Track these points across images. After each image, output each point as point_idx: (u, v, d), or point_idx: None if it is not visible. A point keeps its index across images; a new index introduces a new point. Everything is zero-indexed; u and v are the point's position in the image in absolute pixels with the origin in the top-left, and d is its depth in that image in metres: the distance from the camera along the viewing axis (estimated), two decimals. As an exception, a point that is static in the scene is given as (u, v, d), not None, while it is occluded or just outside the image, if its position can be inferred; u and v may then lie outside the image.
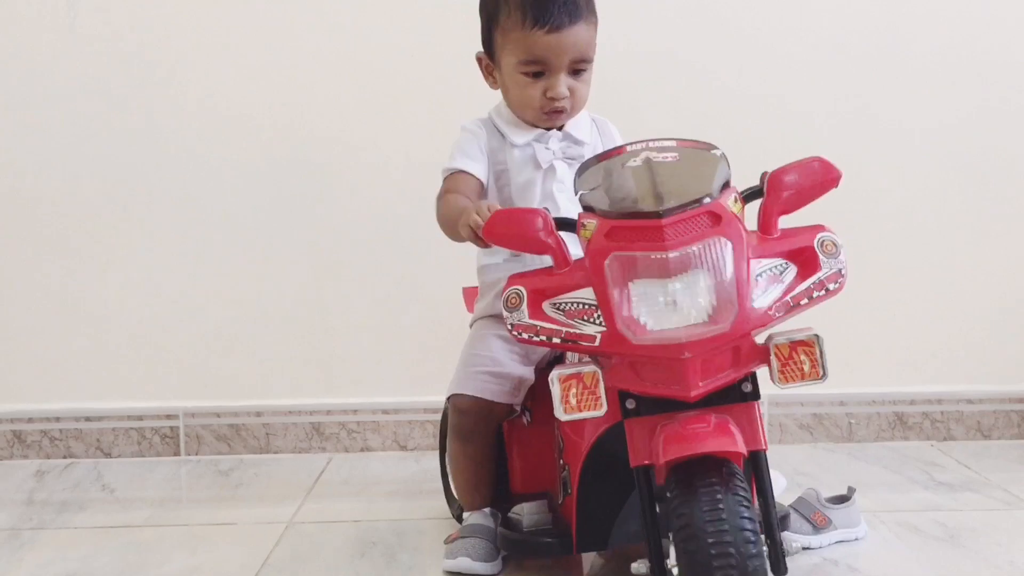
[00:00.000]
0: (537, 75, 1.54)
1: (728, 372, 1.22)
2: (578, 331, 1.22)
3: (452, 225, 1.49)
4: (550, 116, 1.58)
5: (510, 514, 1.56)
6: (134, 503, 2.00)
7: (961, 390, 2.39)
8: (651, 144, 1.30)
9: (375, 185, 2.31)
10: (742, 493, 1.14)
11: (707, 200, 1.21)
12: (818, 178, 1.26)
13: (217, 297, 2.33)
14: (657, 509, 1.24)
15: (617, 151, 1.32)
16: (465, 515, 1.64)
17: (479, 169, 1.60)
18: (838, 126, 2.32)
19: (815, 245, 1.26)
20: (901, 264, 2.34)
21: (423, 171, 2.27)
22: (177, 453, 2.34)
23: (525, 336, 1.26)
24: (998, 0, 2.33)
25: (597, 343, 1.21)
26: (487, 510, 1.61)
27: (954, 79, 2.33)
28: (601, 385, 1.22)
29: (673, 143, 1.30)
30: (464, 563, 1.52)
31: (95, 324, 2.33)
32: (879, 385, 2.37)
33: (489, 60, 1.62)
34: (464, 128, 1.64)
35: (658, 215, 1.19)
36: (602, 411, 1.22)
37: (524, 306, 1.25)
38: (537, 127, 1.60)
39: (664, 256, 1.18)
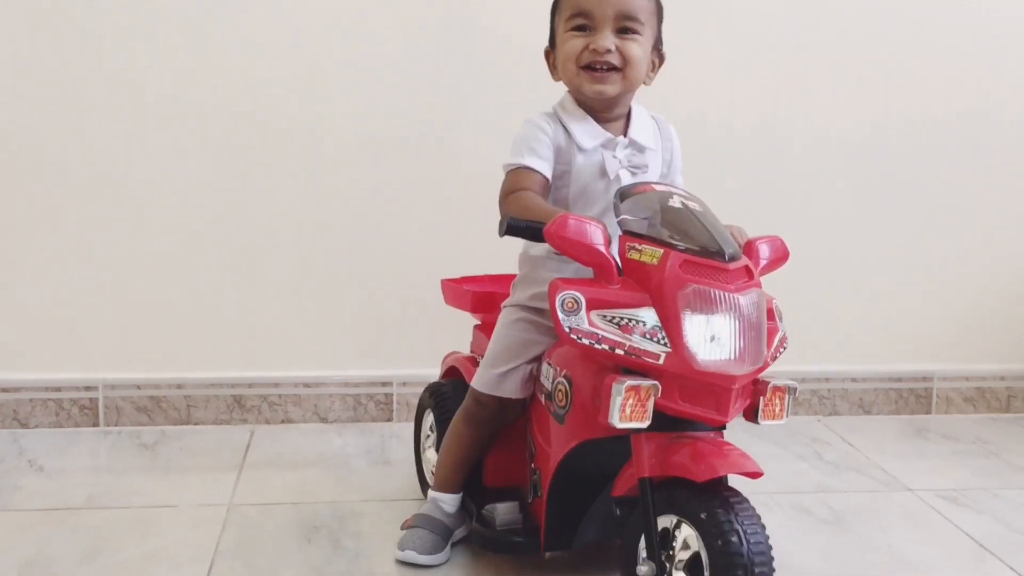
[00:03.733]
0: (582, 29, 1.60)
1: (740, 404, 1.45)
2: (641, 347, 1.38)
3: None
4: (594, 77, 1.61)
5: (483, 511, 1.74)
6: (67, 481, 2.12)
7: (846, 370, 2.71)
8: (673, 188, 1.52)
9: (300, 160, 2.44)
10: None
11: (742, 256, 1.45)
12: (780, 254, 1.54)
13: (138, 268, 2.43)
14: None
15: (647, 187, 1.51)
16: (430, 493, 1.82)
17: (546, 168, 1.62)
18: (762, 129, 2.57)
19: (773, 307, 1.53)
20: (795, 260, 2.57)
21: (348, 148, 2.44)
22: (96, 424, 2.46)
23: (585, 341, 1.38)
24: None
25: (661, 362, 1.37)
26: (445, 499, 1.78)
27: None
28: (652, 400, 1.37)
29: (683, 191, 1.53)
30: (410, 555, 1.73)
31: (13, 293, 2.41)
32: (776, 364, 2.65)
33: (552, 50, 1.69)
34: (530, 122, 1.65)
35: (724, 258, 1.40)
36: (647, 423, 1.38)
37: (583, 312, 1.39)
38: (597, 121, 1.64)
39: (735, 296, 1.39)
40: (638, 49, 1.61)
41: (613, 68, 1.61)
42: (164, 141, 2.40)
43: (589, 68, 1.61)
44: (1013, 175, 2.69)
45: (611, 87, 1.62)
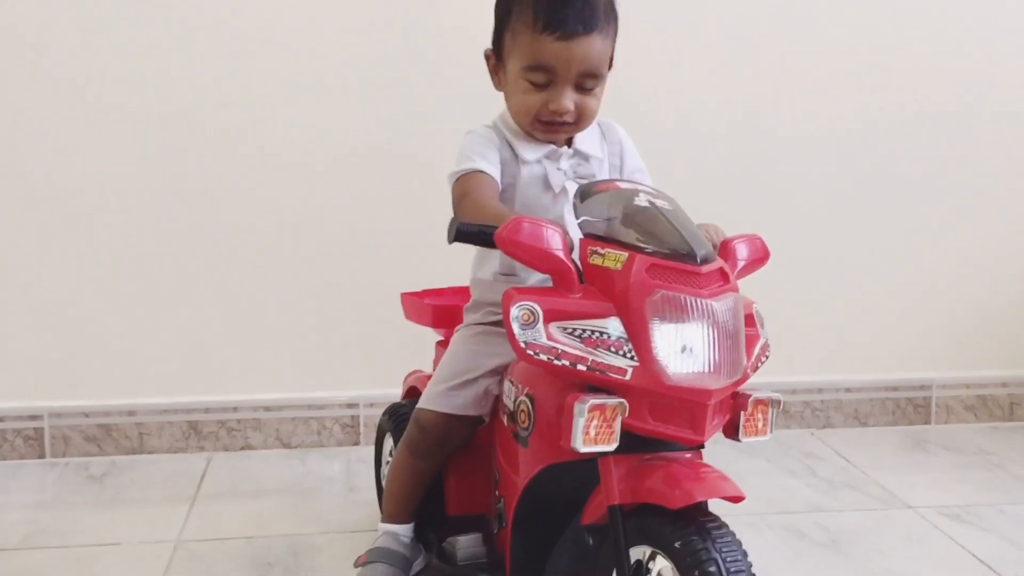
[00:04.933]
0: (541, 84, 1.50)
1: (718, 420, 1.32)
2: (606, 362, 1.26)
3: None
4: (548, 129, 1.54)
5: (444, 544, 1.62)
6: (4, 518, 2.00)
7: (839, 379, 2.60)
8: (639, 186, 1.40)
9: (255, 174, 2.33)
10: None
11: (716, 258, 1.32)
12: (759, 255, 1.41)
13: (84, 287, 2.32)
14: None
15: (610, 185, 1.40)
16: (380, 526, 1.69)
17: (496, 173, 1.54)
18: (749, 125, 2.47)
19: (753, 312, 1.41)
20: (782, 262, 2.48)
21: (307, 162, 2.33)
22: (42, 456, 2.34)
23: (543, 357, 1.27)
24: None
25: (628, 377, 1.25)
26: (399, 530, 1.66)
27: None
28: (619, 420, 1.25)
29: (651, 188, 1.40)
30: (371, 592, 1.60)
31: (-52, 319, 2.30)
32: (763, 376, 2.54)
33: (497, 60, 1.58)
34: (474, 133, 1.59)
35: (696, 261, 1.28)
36: (614, 446, 1.26)
37: (540, 325, 1.27)
38: (540, 141, 1.57)
39: (709, 303, 1.27)
40: (595, 102, 1.54)
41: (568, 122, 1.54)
42: (111, 155, 2.29)
43: (544, 122, 1.54)
44: (1014, 174, 2.60)
45: (564, 134, 1.57)
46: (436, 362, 1.88)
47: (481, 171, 1.52)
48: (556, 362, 1.27)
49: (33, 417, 2.33)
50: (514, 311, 1.28)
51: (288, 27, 2.30)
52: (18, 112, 2.25)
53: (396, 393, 2.02)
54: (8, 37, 2.23)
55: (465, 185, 1.51)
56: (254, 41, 2.29)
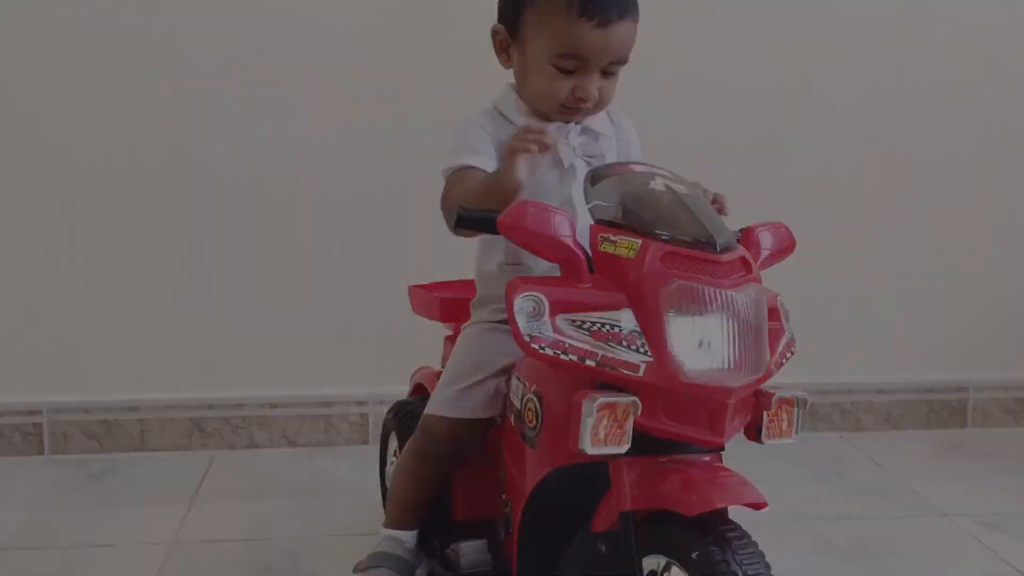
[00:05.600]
0: (569, 70, 1.45)
1: (738, 421, 1.23)
2: (617, 357, 1.19)
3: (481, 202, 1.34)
4: (567, 113, 1.49)
5: (447, 550, 1.55)
6: (-2, 517, 1.95)
7: (871, 380, 2.51)
8: (655, 169, 1.32)
9: (260, 164, 2.28)
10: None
11: (738, 246, 1.24)
12: (784, 244, 1.32)
13: (85, 279, 2.27)
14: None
15: (623, 168, 1.33)
16: (382, 531, 1.62)
17: (489, 163, 1.46)
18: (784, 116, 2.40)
19: (777, 305, 1.32)
20: (811, 260, 2.40)
21: (314, 151, 2.27)
22: (41, 452, 2.29)
23: (548, 352, 1.20)
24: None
25: (641, 373, 1.18)
26: (402, 536, 1.59)
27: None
28: (631, 420, 1.18)
29: (668, 172, 1.32)
30: (372, 599, 1.52)
31: (-54, 311, 2.26)
32: (788, 376, 2.45)
33: (508, 37, 1.50)
34: (467, 120, 1.52)
35: (715, 249, 1.20)
36: (626, 448, 1.19)
37: (546, 317, 1.20)
38: (550, 120, 1.51)
39: (729, 294, 1.19)
40: (614, 86, 1.50)
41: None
42: (112, 145, 2.24)
43: (565, 105, 1.48)
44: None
45: (580, 116, 1.51)
46: (445, 358, 1.81)
47: (471, 167, 1.45)
48: (562, 357, 1.19)
49: (32, 412, 2.29)
50: (519, 302, 1.20)
51: (294, 20, 2.24)
52: (17, 107, 2.22)
53: (407, 391, 1.96)
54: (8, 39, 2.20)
55: (453, 181, 1.45)
56: (260, 33, 2.24)
